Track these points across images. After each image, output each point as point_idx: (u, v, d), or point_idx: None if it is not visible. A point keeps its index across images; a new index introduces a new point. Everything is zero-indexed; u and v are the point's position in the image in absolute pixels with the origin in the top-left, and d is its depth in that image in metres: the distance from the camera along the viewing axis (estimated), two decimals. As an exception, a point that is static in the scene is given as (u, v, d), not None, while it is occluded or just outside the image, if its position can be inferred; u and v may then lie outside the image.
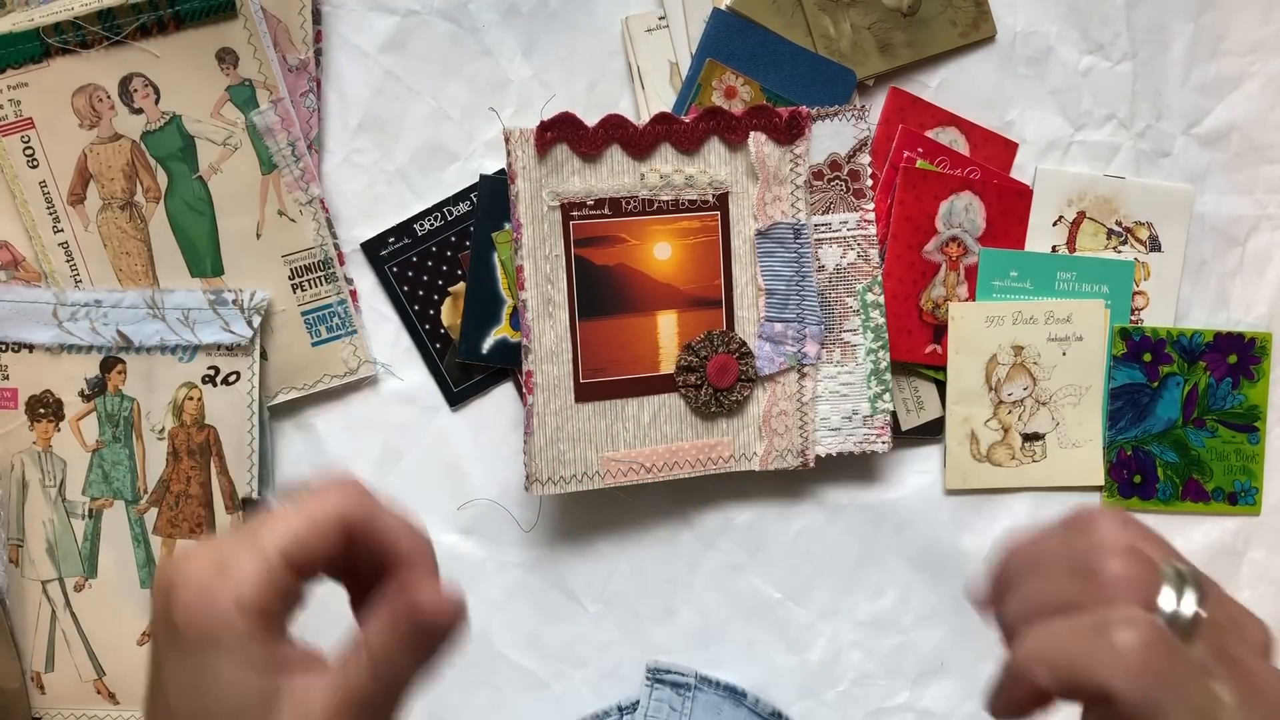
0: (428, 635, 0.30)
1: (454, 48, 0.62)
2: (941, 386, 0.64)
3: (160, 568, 0.33)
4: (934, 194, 0.62)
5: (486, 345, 0.62)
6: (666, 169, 0.59)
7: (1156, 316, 0.65)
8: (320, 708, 0.29)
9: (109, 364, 0.60)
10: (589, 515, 0.64)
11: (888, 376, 0.61)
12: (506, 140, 0.57)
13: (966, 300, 0.63)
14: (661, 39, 0.61)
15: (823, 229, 0.60)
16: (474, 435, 0.63)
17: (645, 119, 0.59)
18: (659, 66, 0.61)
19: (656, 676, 0.62)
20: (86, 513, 0.61)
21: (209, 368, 0.60)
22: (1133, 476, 0.65)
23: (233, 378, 0.60)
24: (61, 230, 0.60)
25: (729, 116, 0.58)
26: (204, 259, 0.61)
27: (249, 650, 0.29)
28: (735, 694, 0.63)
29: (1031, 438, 0.64)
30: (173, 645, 0.29)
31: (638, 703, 0.62)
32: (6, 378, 0.61)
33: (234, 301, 0.60)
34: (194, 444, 0.61)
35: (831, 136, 0.60)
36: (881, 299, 0.61)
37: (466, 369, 0.63)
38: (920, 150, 0.62)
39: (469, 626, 0.32)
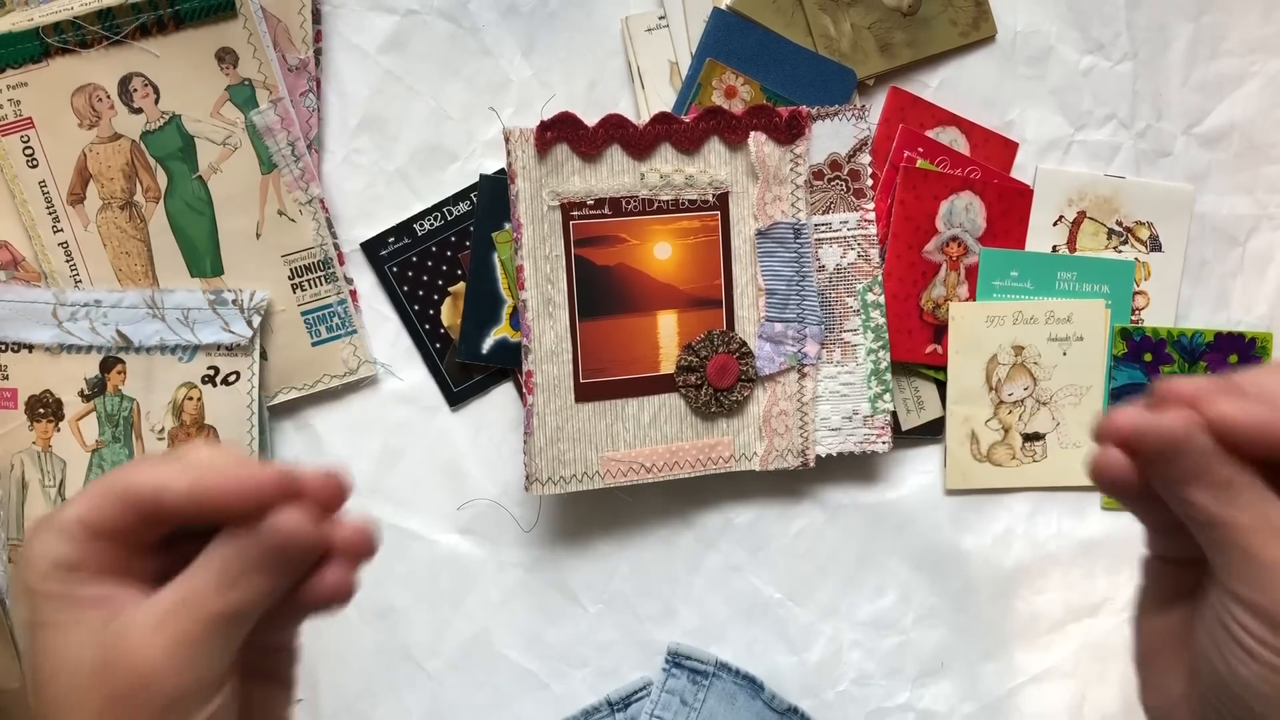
0: (273, 548, 0.30)
1: (454, 48, 0.62)
2: (942, 386, 0.64)
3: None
4: (934, 194, 0.62)
5: (486, 345, 0.62)
6: (666, 169, 0.59)
7: (1157, 316, 0.65)
8: (146, 616, 0.29)
9: (109, 364, 0.60)
10: (589, 515, 0.64)
11: (888, 376, 0.61)
12: (506, 140, 0.57)
13: (967, 300, 0.63)
14: (661, 39, 0.61)
15: (823, 229, 0.60)
16: (474, 435, 0.63)
17: (645, 119, 0.59)
18: (659, 66, 0.61)
19: (675, 661, 0.62)
20: (86, 513, 0.61)
21: (209, 368, 0.60)
22: (1133, 476, 0.65)
23: (232, 378, 0.60)
24: (61, 230, 0.60)
25: (729, 116, 0.58)
26: (204, 259, 0.61)
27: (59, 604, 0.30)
28: (753, 684, 0.62)
29: (1032, 438, 0.64)
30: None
31: (627, 697, 0.62)
32: (6, 378, 0.61)
33: (234, 301, 0.60)
34: (194, 444, 0.61)
35: (831, 136, 0.60)
36: (882, 299, 0.61)
37: (466, 369, 0.63)
38: (920, 150, 0.62)
39: (369, 545, 0.32)
